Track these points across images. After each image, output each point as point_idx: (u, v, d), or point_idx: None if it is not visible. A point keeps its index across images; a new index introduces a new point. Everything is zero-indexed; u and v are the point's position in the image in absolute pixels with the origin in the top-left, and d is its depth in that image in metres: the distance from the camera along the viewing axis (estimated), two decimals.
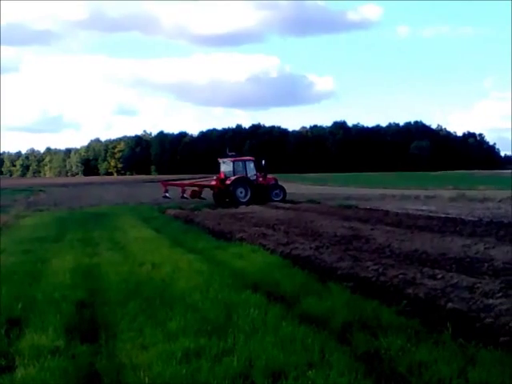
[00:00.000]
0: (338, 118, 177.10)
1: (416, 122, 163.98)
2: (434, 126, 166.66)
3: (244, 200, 31.94)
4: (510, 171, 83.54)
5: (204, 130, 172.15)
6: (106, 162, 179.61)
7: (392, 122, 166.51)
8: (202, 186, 35.21)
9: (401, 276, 9.21)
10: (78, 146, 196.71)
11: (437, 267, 10.17)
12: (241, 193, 32.50)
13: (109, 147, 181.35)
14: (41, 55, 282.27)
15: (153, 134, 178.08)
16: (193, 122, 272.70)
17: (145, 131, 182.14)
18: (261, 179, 33.61)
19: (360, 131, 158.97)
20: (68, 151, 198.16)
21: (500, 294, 7.81)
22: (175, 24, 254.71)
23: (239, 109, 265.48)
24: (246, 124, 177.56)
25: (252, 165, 33.99)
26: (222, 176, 33.53)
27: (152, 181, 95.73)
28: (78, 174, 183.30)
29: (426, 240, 13.93)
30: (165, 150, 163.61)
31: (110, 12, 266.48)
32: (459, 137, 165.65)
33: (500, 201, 29.09)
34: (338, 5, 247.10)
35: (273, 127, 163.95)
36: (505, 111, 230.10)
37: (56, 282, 9.53)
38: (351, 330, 6.55)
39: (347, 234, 15.73)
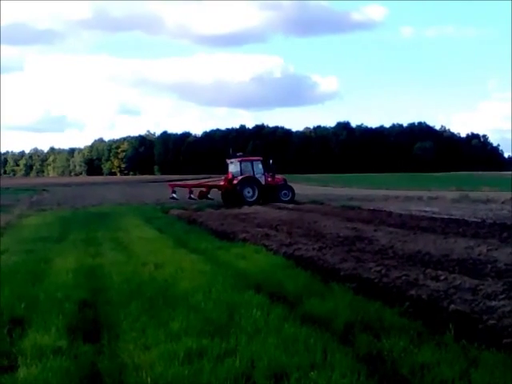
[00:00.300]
0: (342, 119, 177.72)
1: (420, 123, 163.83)
2: (437, 127, 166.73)
3: (251, 200, 32.02)
4: None
5: (207, 130, 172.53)
6: (109, 162, 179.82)
7: (395, 122, 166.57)
8: (209, 187, 35.27)
9: (404, 277, 9.21)
10: (82, 146, 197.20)
11: (440, 268, 10.15)
12: (248, 192, 32.57)
13: (112, 147, 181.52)
14: (44, 55, 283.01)
15: (156, 134, 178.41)
16: (196, 122, 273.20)
17: (148, 131, 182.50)
18: (269, 179, 33.65)
19: (363, 132, 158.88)
20: (71, 151, 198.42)
21: (503, 296, 7.79)
22: (178, 24, 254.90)
23: (243, 109, 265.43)
24: (250, 124, 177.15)
25: (260, 165, 34.01)
26: (230, 176, 33.66)
27: (155, 181, 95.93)
28: (81, 173, 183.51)
29: (429, 241, 13.91)
30: (168, 150, 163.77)
31: (114, 12, 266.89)
32: (463, 138, 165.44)
33: (503, 202, 29.04)
34: (341, 5, 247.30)
35: (276, 127, 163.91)
36: (508, 112, 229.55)
37: (59, 282, 9.54)
38: (354, 331, 6.54)
39: (350, 234, 15.72)
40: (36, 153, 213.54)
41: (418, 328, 6.62)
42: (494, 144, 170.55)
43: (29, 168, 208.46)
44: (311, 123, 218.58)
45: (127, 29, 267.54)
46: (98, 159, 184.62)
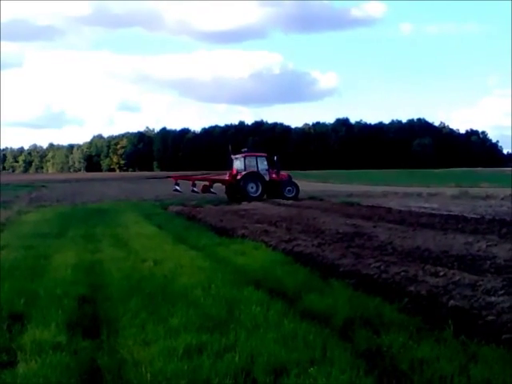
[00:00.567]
0: (341, 115, 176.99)
1: (419, 120, 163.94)
2: (436, 124, 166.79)
3: (255, 195, 32.16)
4: None
5: (207, 126, 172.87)
6: (108, 158, 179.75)
7: (395, 119, 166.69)
8: (213, 181, 35.33)
9: (403, 273, 9.21)
10: (81, 142, 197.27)
11: (439, 264, 10.15)
12: (252, 188, 32.69)
13: (111, 143, 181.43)
14: (44, 51, 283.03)
15: (155, 131, 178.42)
16: (195, 118, 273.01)
17: (147, 127, 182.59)
18: (274, 175, 33.68)
19: (363, 128, 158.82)
20: (71, 147, 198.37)
21: (502, 292, 7.80)
22: (178, 20, 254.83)
23: (242, 105, 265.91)
24: (249, 121, 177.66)
25: (265, 161, 34.06)
26: (235, 172, 33.76)
27: (154, 177, 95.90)
28: (80, 170, 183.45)
29: (429, 237, 13.91)
30: (167, 146, 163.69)
31: (113, 8, 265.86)
32: (462, 134, 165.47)
33: (503, 198, 29.05)
34: (341, 2, 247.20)
35: (275, 124, 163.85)
36: (508, 109, 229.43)
37: (58, 278, 9.53)
38: (353, 327, 6.54)
39: (349, 231, 15.73)
40: (35, 149, 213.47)
41: (417, 324, 6.63)
42: (494, 140, 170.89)
43: (28, 164, 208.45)
44: (310, 119, 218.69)
45: (127, 25, 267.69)
46: (97, 155, 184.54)
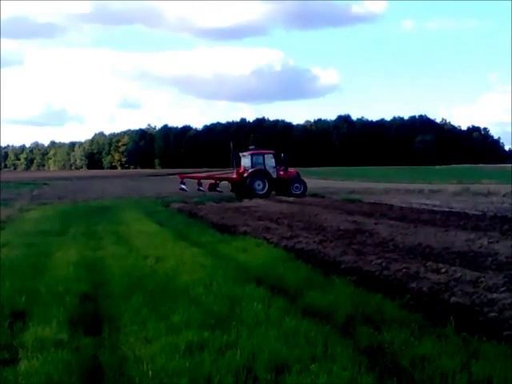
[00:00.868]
0: (343, 112, 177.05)
1: (420, 116, 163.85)
2: (438, 120, 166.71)
3: (261, 193, 32.29)
4: None
5: (208, 123, 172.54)
6: (109, 156, 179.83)
7: (396, 115, 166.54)
8: (219, 179, 35.36)
9: (404, 270, 9.21)
10: (82, 140, 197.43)
11: (440, 261, 10.15)
12: (258, 185, 32.77)
13: (113, 141, 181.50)
14: (45, 48, 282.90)
15: (157, 128, 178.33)
16: (197, 115, 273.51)
17: (149, 125, 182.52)
18: (281, 173, 33.71)
19: (364, 125, 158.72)
20: (72, 145, 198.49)
21: (503, 289, 7.80)
22: (179, 17, 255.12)
23: (243, 102, 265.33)
24: (250, 118, 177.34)
25: (272, 158, 34.09)
26: (242, 169, 33.85)
27: (156, 175, 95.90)
28: (82, 167, 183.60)
29: (430, 234, 13.91)
30: (169, 143, 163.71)
31: (114, 5, 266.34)
32: (464, 131, 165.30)
33: (504, 195, 29.01)
34: None
35: (277, 121, 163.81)
36: (509, 105, 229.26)
37: (60, 275, 9.54)
38: (354, 324, 6.55)
39: (351, 227, 15.72)
40: (37, 147, 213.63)
41: (418, 320, 6.62)
42: (495, 137, 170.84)
43: (29, 162, 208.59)
44: (312, 116, 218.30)
45: (127, 22, 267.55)
46: (98, 153, 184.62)
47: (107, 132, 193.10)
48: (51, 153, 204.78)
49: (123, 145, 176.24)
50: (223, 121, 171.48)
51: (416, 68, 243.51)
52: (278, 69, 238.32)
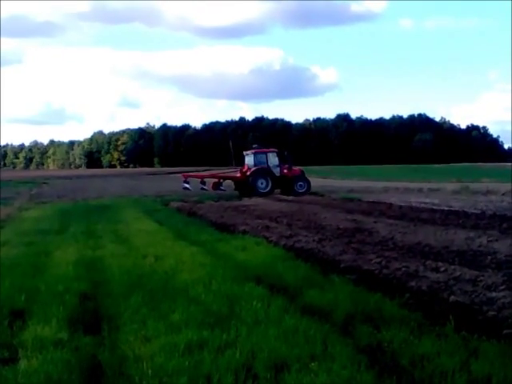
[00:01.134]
0: (342, 111, 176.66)
1: (420, 115, 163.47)
2: (437, 119, 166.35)
3: (264, 191, 32.38)
4: None
5: (207, 122, 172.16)
6: (109, 155, 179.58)
7: (395, 114, 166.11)
8: (223, 178, 35.41)
9: (404, 269, 9.22)
10: (82, 139, 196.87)
11: (440, 260, 10.15)
12: (261, 184, 32.90)
13: (112, 139, 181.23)
14: (44, 47, 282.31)
15: (156, 127, 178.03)
16: (196, 114, 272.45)
17: (148, 123, 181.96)
18: (285, 171, 33.72)
19: (363, 124, 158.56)
20: (71, 143, 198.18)
21: (503, 287, 7.81)
22: (178, 16, 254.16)
23: (242, 101, 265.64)
24: (249, 116, 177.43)
25: (275, 156, 34.11)
26: (245, 168, 33.90)
27: (155, 173, 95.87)
28: (81, 166, 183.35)
29: (429, 233, 13.92)
30: (168, 142, 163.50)
31: (113, 4, 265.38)
32: (463, 129, 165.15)
33: (503, 194, 29.03)
34: None
35: (276, 120, 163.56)
36: (508, 104, 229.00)
37: (59, 274, 9.54)
38: (354, 323, 6.55)
39: (350, 226, 15.73)
40: (36, 145, 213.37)
41: (418, 319, 6.63)
42: (494, 135, 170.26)
43: (28, 161, 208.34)
44: (311, 115, 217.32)
45: (127, 21, 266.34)
46: (97, 152, 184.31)
47: (106, 131, 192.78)
48: (50, 151, 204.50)
49: (122, 143, 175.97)
50: (222, 119, 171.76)
51: (415, 67, 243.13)
52: (277, 67, 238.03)
